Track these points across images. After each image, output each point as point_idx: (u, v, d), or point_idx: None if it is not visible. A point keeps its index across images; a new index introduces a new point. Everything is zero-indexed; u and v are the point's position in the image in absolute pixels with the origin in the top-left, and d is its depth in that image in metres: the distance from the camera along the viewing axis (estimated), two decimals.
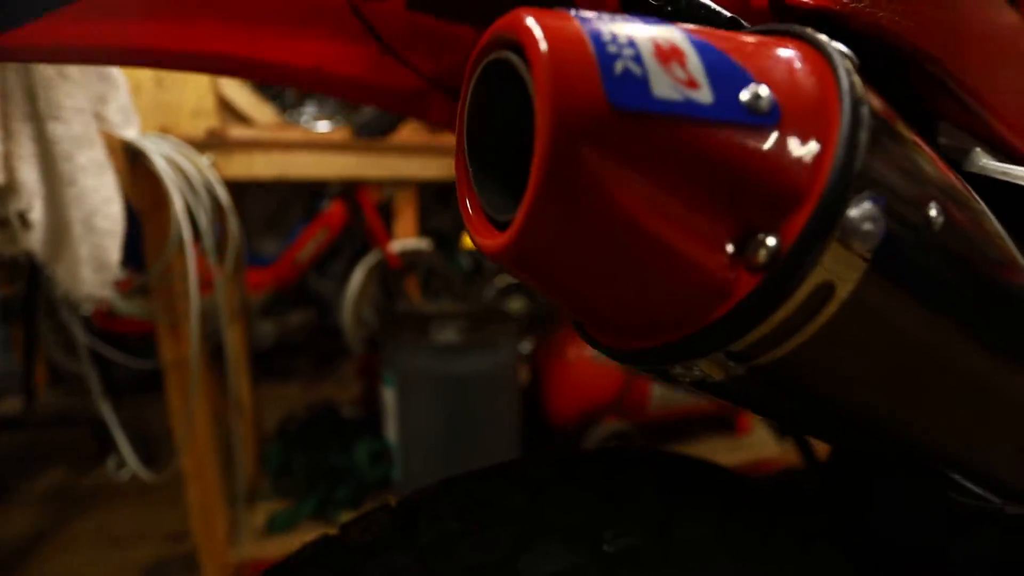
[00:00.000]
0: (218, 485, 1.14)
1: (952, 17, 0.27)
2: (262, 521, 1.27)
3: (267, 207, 2.70)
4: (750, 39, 0.18)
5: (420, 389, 1.29)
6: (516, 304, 2.44)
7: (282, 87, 1.53)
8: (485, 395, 1.31)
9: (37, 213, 0.63)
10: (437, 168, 1.33)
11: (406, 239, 2.35)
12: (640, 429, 1.50)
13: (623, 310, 0.18)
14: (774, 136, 0.16)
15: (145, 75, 0.97)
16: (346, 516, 1.33)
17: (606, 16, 0.16)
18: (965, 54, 0.28)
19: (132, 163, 0.81)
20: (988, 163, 0.30)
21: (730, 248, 0.16)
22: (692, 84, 0.15)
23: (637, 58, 0.15)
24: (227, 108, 1.11)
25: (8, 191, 0.60)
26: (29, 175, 0.62)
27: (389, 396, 1.33)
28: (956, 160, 0.31)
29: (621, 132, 0.14)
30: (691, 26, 0.17)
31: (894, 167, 0.17)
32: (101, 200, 0.68)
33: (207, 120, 1.02)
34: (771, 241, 0.16)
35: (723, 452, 1.48)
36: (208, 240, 0.88)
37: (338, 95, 0.42)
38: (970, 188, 0.22)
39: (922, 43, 0.26)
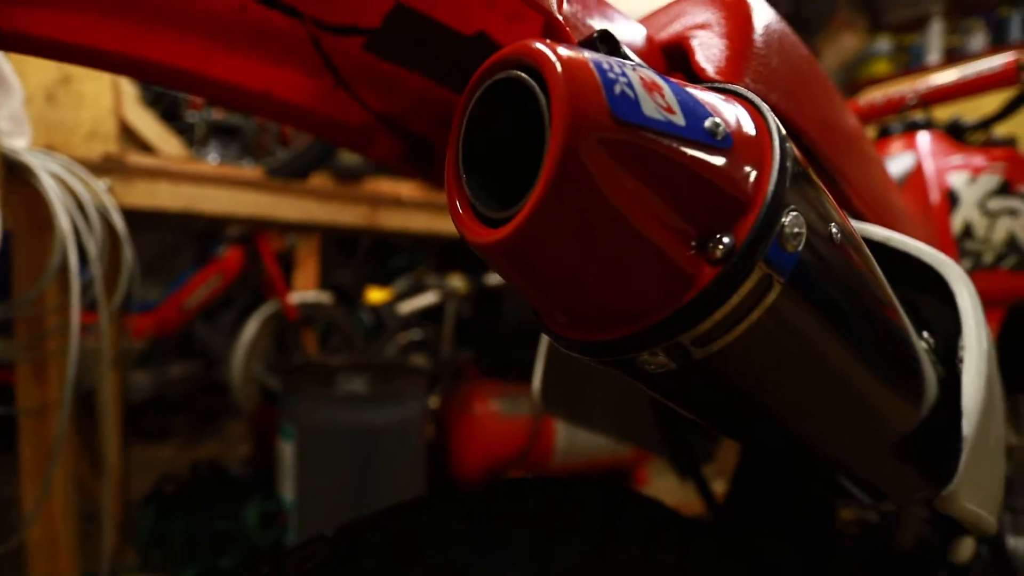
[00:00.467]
0: (71, 560, 0.98)
1: (821, 109, 0.35)
2: None
3: (150, 250, 2.49)
4: (699, 87, 0.22)
5: (322, 442, 1.22)
6: (419, 361, 2.40)
7: (190, 124, 1.46)
8: (391, 449, 1.26)
9: None
10: (350, 216, 1.32)
11: (306, 291, 2.26)
12: None
13: (602, 301, 0.20)
14: (728, 157, 0.20)
15: (36, 88, 0.89)
16: None
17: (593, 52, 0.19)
18: (832, 139, 0.36)
19: (12, 177, 0.73)
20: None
21: (694, 245, 0.20)
22: (670, 110, 0.19)
23: (630, 84, 0.19)
24: (129, 135, 1.04)
25: None
26: None
27: (287, 450, 1.24)
28: None
29: (620, 138, 0.18)
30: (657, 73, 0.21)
31: (807, 194, 0.22)
32: None
33: (105, 144, 0.95)
34: (727, 240, 0.20)
35: None
36: (97, 268, 0.80)
37: (284, 122, 0.42)
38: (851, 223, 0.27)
39: (801, 123, 0.33)
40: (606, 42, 0.25)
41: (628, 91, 0.18)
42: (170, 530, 1.19)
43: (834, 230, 0.23)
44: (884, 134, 1.04)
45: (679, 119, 0.19)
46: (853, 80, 3.57)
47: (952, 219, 0.86)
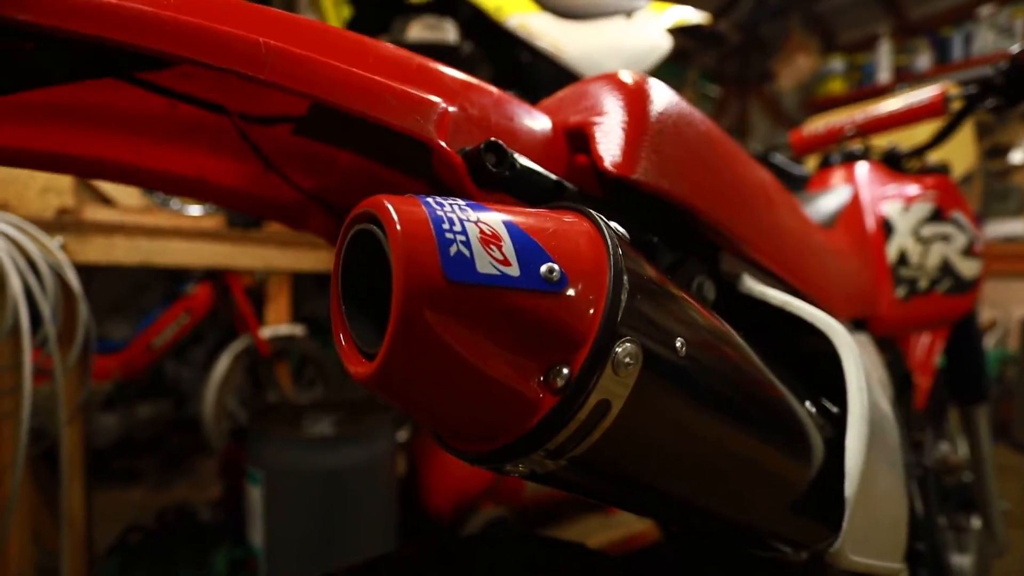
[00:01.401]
0: None
1: (714, 181, 0.37)
2: None
3: (117, 287, 2.45)
4: (550, 221, 0.25)
5: (290, 485, 1.21)
6: None
7: None
8: (360, 489, 1.26)
9: None
10: (312, 261, 1.33)
11: (278, 325, 2.24)
12: (517, 515, 1.51)
13: (465, 423, 0.23)
14: (562, 300, 0.22)
15: None
16: None
17: (447, 202, 0.22)
18: (731, 207, 0.38)
19: None
20: (752, 286, 0.40)
21: (539, 377, 0.22)
22: (505, 262, 0.21)
23: (466, 243, 0.21)
24: (85, 186, 1.04)
25: None
26: None
27: (255, 495, 1.23)
28: (732, 283, 0.41)
29: (454, 298, 0.20)
30: (509, 211, 0.24)
31: (650, 315, 0.24)
32: None
33: (59, 198, 0.95)
34: (565, 371, 0.22)
35: (597, 531, 1.53)
36: (50, 327, 0.80)
37: (220, 204, 0.44)
38: (719, 320, 0.30)
39: (695, 202, 0.35)
40: (493, 151, 0.27)
41: (464, 250, 0.20)
42: None
43: (679, 344, 0.25)
44: (825, 164, 1.09)
45: (514, 270, 0.21)
46: (810, 99, 3.71)
47: (888, 247, 0.90)
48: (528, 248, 0.22)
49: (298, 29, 0.25)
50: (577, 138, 0.37)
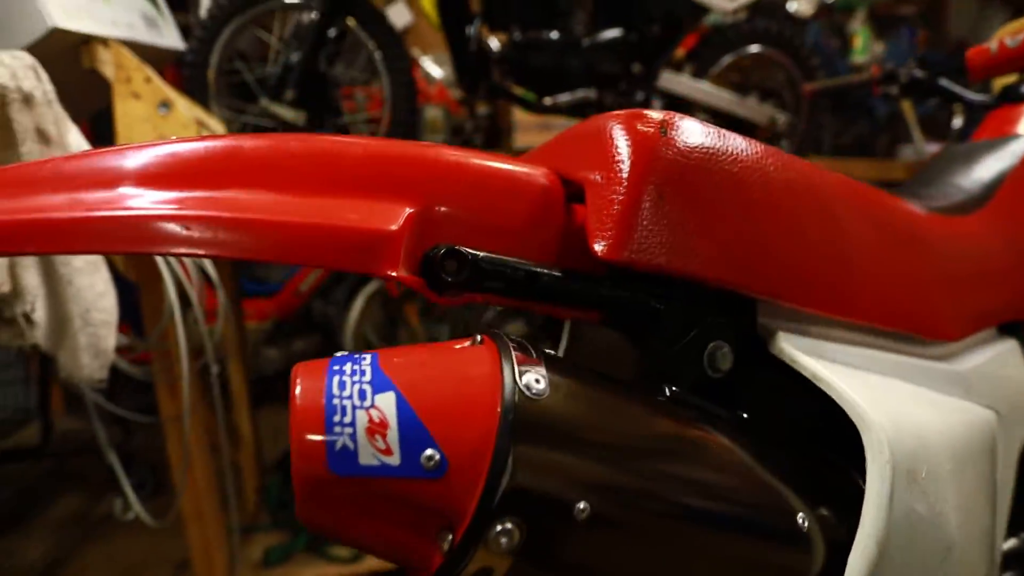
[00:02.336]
0: (217, 523, 1.22)
1: (739, 237, 0.34)
2: (260, 555, 1.35)
3: None
4: (449, 384, 0.25)
5: None
6: (515, 327, 2.50)
7: None
8: None
9: (39, 312, 0.71)
10: None
11: None
12: None
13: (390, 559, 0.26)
14: (441, 483, 0.24)
15: None
16: (340, 550, 1.40)
17: (349, 378, 0.24)
18: (757, 263, 0.35)
19: None
20: (785, 347, 0.36)
21: (433, 534, 0.25)
22: (387, 452, 0.23)
23: (352, 436, 0.23)
24: None
25: (13, 296, 0.68)
26: (31, 280, 0.70)
27: None
28: (765, 339, 0.38)
29: (338, 488, 0.23)
30: (408, 380, 0.25)
31: (542, 487, 0.24)
32: (95, 295, 0.76)
33: None
34: (449, 538, 0.24)
35: None
36: (198, 312, 0.96)
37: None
38: (689, 427, 0.29)
39: (705, 273, 0.33)
40: (451, 257, 0.28)
41: (349, 443, 0.23)
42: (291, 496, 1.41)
43: (581, 507, 0.25)
44: (1011, 96, 0.73)
45: (395, 460, 0.23)
46: None
47: None
48: (412, 434, 0.23)
49: (244, 170, 0.27)
50: (573, 186, 0.36)
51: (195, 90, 1.42)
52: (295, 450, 0.23)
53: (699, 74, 1.75)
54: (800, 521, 0.30)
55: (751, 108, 1.76)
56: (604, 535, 0.26)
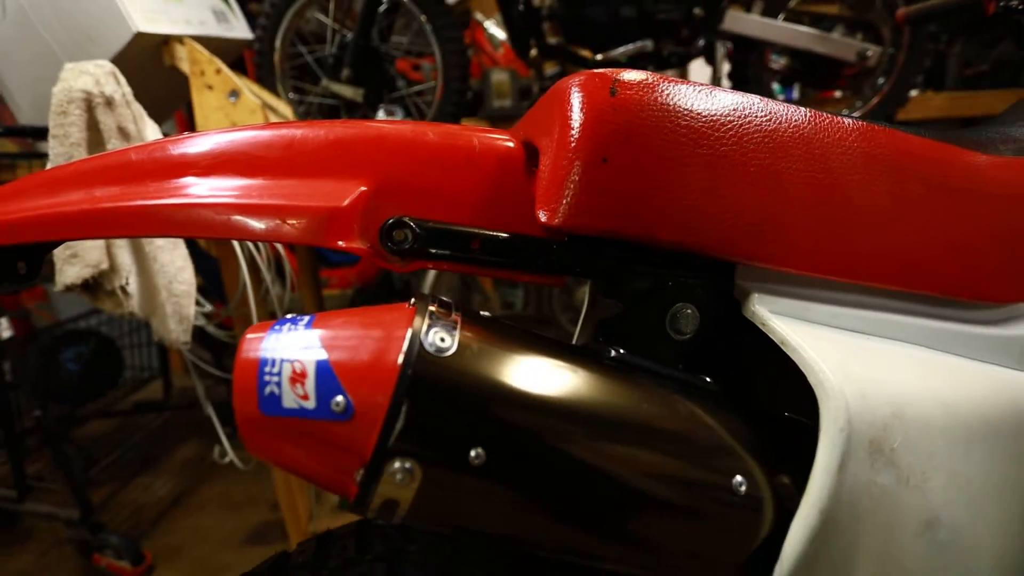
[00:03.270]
0: None
1: (703, 196, 0.33)
2: (337, 499, 1.51)
3: None
4: (365, 340, 0.29)
5: None
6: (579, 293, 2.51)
7: None
8: None
9: (132, 285, 0.83)
10: None
11: None
12: None
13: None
14: (348, 425, 0.28)
15: None
16: None
17: (285, 333, 0.28)
18: (728, 223, 0.34)
19: None
20: (758, 311, 0.36)
21: (352, 470, 0.29)
22: (304, 397, 0.27)
23: (278, 383, 0.27)
24: None
25: (111, 272, 0.80)
26: (124, 258, 0.81)
27: None
28: (740, 302, 0.37)
29: (267, 425, 0.28)
30: (329, 336, 0.29)
31: (437, 432, 0.28)
32: (176, 269, 0.87)
33: None
34: (360, 474, 0.28)
35: None
36: (267, 281, 1.07)
37: None
38: (606, 388, 0.31)
39: (661, 234, 0.33)
40: (399, 227, 0.32)
41: (275, 389, 0.27)
42: None
43: (473, 454, 0.28)
44: None
45: (311, 404, 0.27)
46: None
47: None
48: (326, 383, 0.28)
49: (216, 162, 0.32)
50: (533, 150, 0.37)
51: (264, 75, 1.52)
52: (235, 393, 0.28)
53: (772, 11, 1.58)
54: (735, 484, 0.31)
55: (834, 43, 1.57)
56: (501, 481, 0.29)
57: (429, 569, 0.42)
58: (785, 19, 1.58)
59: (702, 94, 0.35)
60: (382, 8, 1.45)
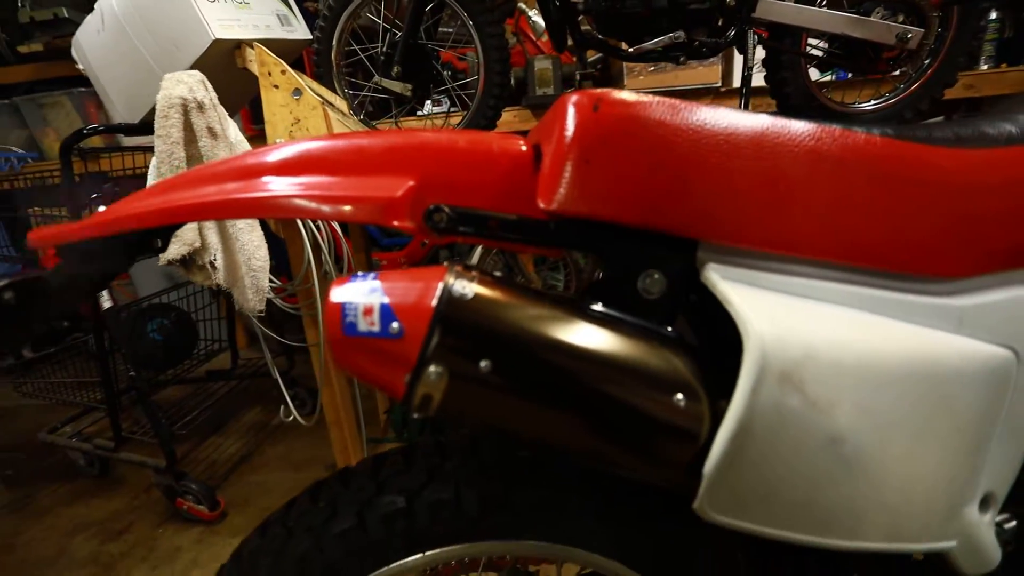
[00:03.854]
0: (351, 429, 1.52)
1: (666, 187, 0.43)
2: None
3: None
4: (413, 289, 0.40)
5: None
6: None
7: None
8: None
9: (219, 260, 0.98)
10: None
11: None
12: None
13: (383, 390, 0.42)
14: (400, 342, 0.40)
15: (279, 133, 1.30)
16: None
17: (359, 285, 0.40)
18: (686, 208, 0.44)
19: None
20: (709, 275, 0.46)
21: (401, 376, 0.40)
22: (373, 324, 0.39)
23: (355, 315, 0.39)
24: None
25: (202, 249, 0.95)
26: (212, 237, 0.97)
27: None
28: (699, 270, 0.47)
29: (348, 344, 0.40)
30: (388, 284, 0.41)
31: (459, 349, 0.40)
32: (254, 248, 1.01)
33: None
34: (407, 377, 0.40)
35: None
36: (328, 260, 1.21)
37: None
38: (587, 326, 0.42)
39: (627, 218, 0.43)
40: (436, 211, 0.43)
41: (353, 317, 0.40)
42: (407, 415, 1.69)
43: (483, 364, 0.40)
44: None
45: (376, 328, 0.39)
46: None
47: None
48: (386, 315, 0.39)
49: (301, 164, 0.44)
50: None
51: (323, 73, 1.66)
52: (326, 323, 0.39)
53: None
54: (676, 400, 0.41)
55: (873, 27, 1.56)
56: (502, 384, 0.40)
57: (459, 478, 0.54)
58: (826, 3, 1.57)
59: (669, 108, 0.44)
60: (428, 7, 1.56)
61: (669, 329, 0.47)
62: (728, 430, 0.40)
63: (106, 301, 1.52)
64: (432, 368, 0.39)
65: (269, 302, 1.42)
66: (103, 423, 1.96)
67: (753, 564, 0.59)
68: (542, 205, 0.44)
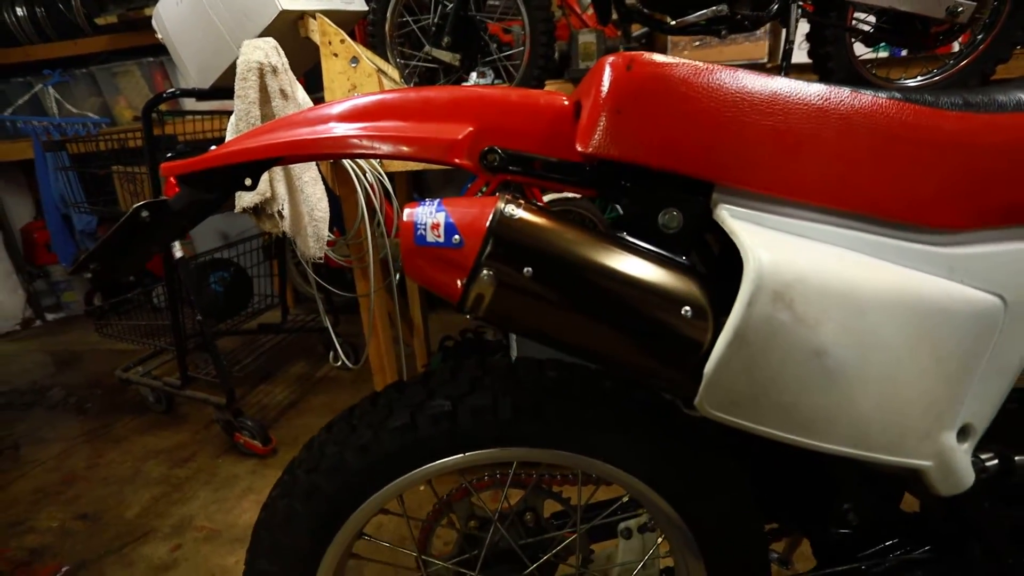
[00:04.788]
0: (394, 376, 1.65)
1: (687, 136, 0.50)
2: None
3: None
4: (472, 209, 0.49)
5: None
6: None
7: None
8: None
9: (286, 210, 1.09)
10: None
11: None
12: None
13: (442, 294, 0.51)
14: (461, 251, 0.48)
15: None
16: None
17: (427, 207, 0.49)
18: (702, 154, 0.51)
19: (336, 170, 1.27)
20: (721, 214, 0.53)
21: (458, 280, 0.49)
22: (439, 236, 0.48)
23: (424, 229, 0.48)
24: None
25: (271, 199, 1.07)
26: (280, 188, 1.08)
27: None
28: (712, 210, 0.54)
29: (418, 252, 0.49)
30: (452, 207, 0.49)
31: (506, 257, 0.48)
32: (316, 200, 1.12)
33: None
34: (463, 281, 0.49)
35: None
36: (381, 217, 1.32)
37: None
38: (608, 248, 0.50)
39: (648, 160, 0.51)
40: (491, 152, 0.52)
41: (423, 231, 0.49)
42: None
43: (526, 271, 0.48)
44: None
45: (442, 239, 0.48)
46: None
47: None
48: (450, 229, 0.48)
49: (385, 110, 0.53)
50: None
51: (376, 43, 1.75)
52: (402, 234, 0.49)
53: None
54: (684, 311, 0.49)
55: (921, 1, 1.54)
56: (541, 291, 0.48)
57: (496, 390, 0.64)
58: None
59: (693, 70, 0.51)
60: None
61: (683, 258, 0.54)
62: (726, 337, 0.48)
63: (177, 251, 1.67)
64: (484, 272, 0.48)
65: (319, 265, 1.54)
66: (168, 366, 2.16)
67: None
68: (580, 148, 0.52)
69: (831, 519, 0.75)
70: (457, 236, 0.48)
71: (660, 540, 0.87)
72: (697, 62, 0.53)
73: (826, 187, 0.54)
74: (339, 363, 1.57)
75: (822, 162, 0.53)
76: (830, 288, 0.50)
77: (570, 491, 0.91)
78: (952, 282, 0.56)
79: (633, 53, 0.52)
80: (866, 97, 0.54)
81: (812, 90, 0.53)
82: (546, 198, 0.84)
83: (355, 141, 0.53)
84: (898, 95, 0.56)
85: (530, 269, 0.48)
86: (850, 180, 0.54)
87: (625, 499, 0.89)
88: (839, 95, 0.54)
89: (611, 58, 0.52)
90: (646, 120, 0.51)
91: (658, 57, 0.52)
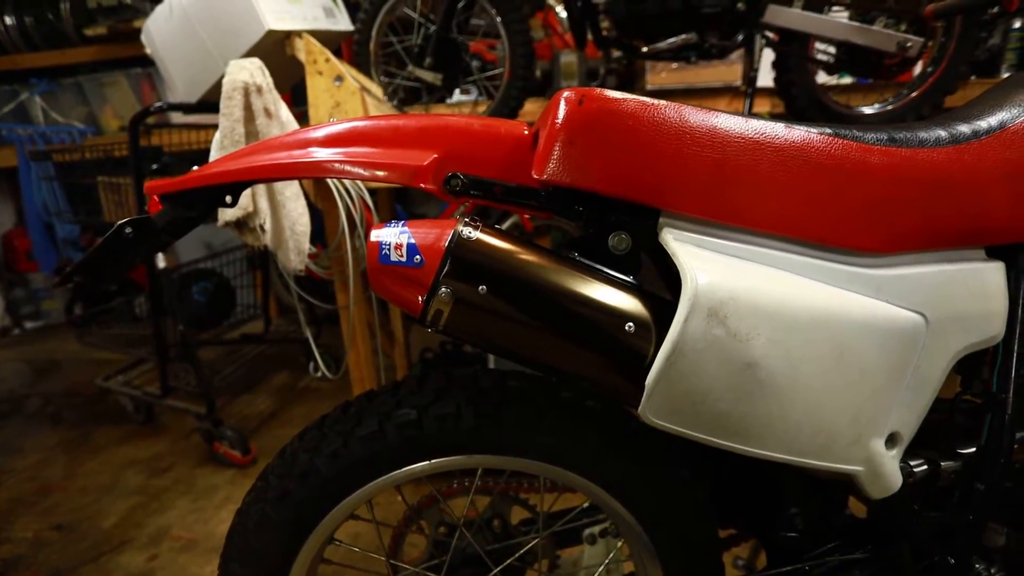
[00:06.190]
0: (375, 386, 1.67)
1: (636, 166, 0.55)
2: None
3: None
4: (432, 233, 0.54)
5: None
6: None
7: None
8: None
9: (267, 224, 1.13)
10: None
11: None
12: None
13: (403, 309, 0.55)
14: (421, 270, 0.53)
15: (320, 117, 1.45)
16: None
17: (397, 228, 0.53)
18: (651, 182, 0.55)
19: (318, 185, 1.31)
20: (665, 237, 0.58)
21: (419, 297, 0.53)
22: (401, 256, 0.52)
23: (388, 249, 0.53)
24: None
25: (253, 213, 1.10)
26: (262, 203, 1.12)
27: None
28: (657, 233, 0.59)
29: (382, 271, 0.53)
30: (415, 228, 0.54)
31: (463, 276, 0.52)
32: (298, 215, 1.16)
33: None
34: (423, 297, 0.53)
35: None
36: (361, 230, 1.36)
37: None
38: (558, 266, 0.55)
39: (599, 188, 0.56)
40: (454, 178, 0.56)
41: (387, 251, 0.53)
42: None
43: (480, 289, 0.52)
44: None
45: (404, 258, 0.52)
46: None
47: None
48: (411, 249, 0.52)
49: (355, 137, 0.57)
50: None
51: (361, 61, 1.80)
52: (368, 254, 0.52)
53: (815, 4, 1.66)
54: (628, 327, 0.53)
55: (874, 35, 1.63)
56: (495, 307, 0.53)
57: (460, 398, 0.68)
58: (840, 9, 1.63)
59: (640, 105, 0.56)
60: (461, 4, 1.69)
61: (630, 278, 0.59)
62: (665, 350, 0.52)
63: (161, 262, 1.69)
64: (443, 290, 0.52)
65: (302, 277, 1.57)
66: (149, 376, 2.16)
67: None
68: (536, 176, 0.56)
69: (779, 523, 0.79)
70: (419, 256, 0.52)
71: (620, 545, 0.91)
72: (645, 98, 0.58)
73: (762, 213, 0.58)
74: (319, 374, 1.59)
75: (758, 191, 0.58)
76: (761, 306, 0.55)
77: (537, 498, 0.95)
78: (879, 301, 0.61)
79: (586, 89, 0.57)
80: (799, 132, 0.59)
81: (749, 125, 0.58)
82: None
83: (328, 165, 0.57)
84: (828, 131, 0.62)
85: (484, 287, 0.52)
86: (784, 207, 0.59)
87: (585, 505, 0.93)
88: (773, 130, 0.59)
89: (566, 92, 0.57)
90: (596, 150, 0.55)
91: (609, 93, 0.57)
